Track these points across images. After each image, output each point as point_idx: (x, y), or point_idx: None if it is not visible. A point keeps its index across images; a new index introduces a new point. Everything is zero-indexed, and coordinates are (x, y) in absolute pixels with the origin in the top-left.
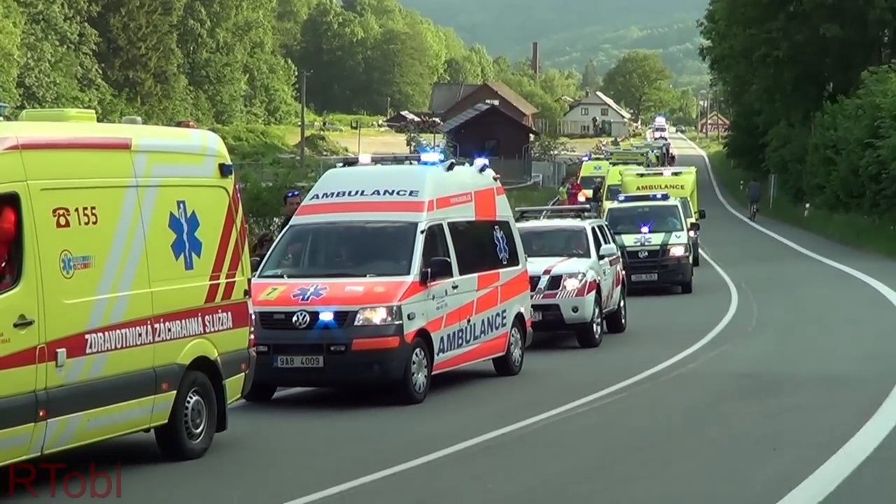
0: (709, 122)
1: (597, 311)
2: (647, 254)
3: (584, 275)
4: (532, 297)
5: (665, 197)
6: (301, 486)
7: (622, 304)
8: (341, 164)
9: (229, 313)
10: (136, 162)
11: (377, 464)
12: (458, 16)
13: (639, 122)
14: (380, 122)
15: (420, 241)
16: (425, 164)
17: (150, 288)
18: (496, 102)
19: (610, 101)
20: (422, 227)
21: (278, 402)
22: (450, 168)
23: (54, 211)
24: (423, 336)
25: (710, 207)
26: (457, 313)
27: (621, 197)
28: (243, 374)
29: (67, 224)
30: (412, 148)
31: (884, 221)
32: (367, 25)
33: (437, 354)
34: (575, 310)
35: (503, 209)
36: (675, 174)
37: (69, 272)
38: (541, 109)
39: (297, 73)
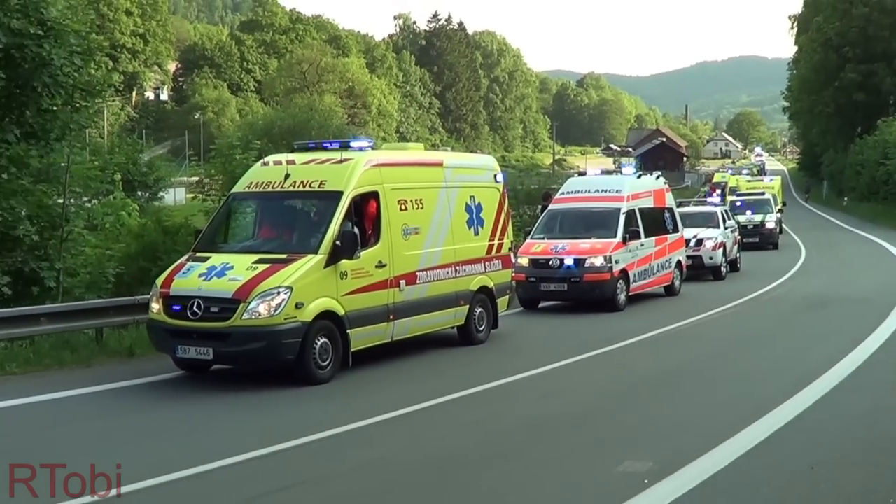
0: (787, 150)
1: (723, 259)
2: (752, 226)
3: (716, 238)
4: (686, 250)
5: (762, 193)
6: (543, 359)
7: (738, 255)
8: (577, 175)
9: (500, 261)
10: (446, 173)
11: (596, 344)
12: (642, 89)
13: (746, 150)
14: (597, 150)
15: (622, 219)
16: (621, 175)
17: (454, 245)
18: (664, 139)
19: (730, 138)
20: (623, 210)
21: (541, 311)
22: (639, 177)
23: (398, 201)
24: (624, 273)
25: (789, 200)
26: (643, 260)
27: (737, 193)
28: (507, 296)
29: (406, 209)
30: (617, 166)
31: (890, 207)
32: (590, 96)
33: (632, 283)
34: (710, 258)
35: (669, 200)
36: (769, 180)
37: (407, 237)
38: (690, 143)
39: (550, 124)
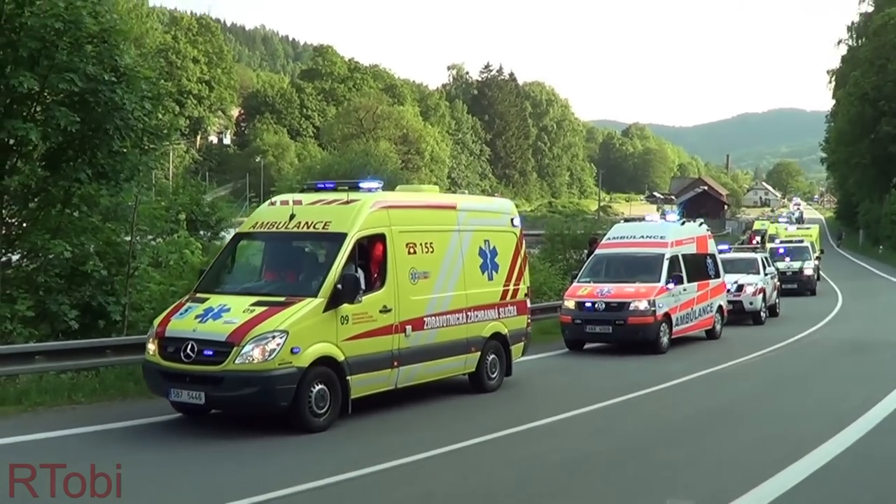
0: (825, 199)
1: (763, 304)
2: (791, 273)
3: (757, 284)
4: (727, 295)
5: (801, 241)
6: (589, 399)
7: (777, 301)
8: (623, 220)
9: (515, 307)
10: (459, 217)
11: (639, 385)
12: (685, 139)
13: (785, 199)
14: (641, 198)
15: (665, 264)
16: (665, 221)
17: (465, 291)
18: (706, 187)
19: (769, 187)
20: (667, 256)
21: (586, 352)
22: (682, 223)
23: (406, 244)
24: (667, 316)
25: (827, 249)
26: (686, 304)
27: (777, 241)
28: (523, 342)
29: (415, 252)
30: (661, 213)
31: None
32: (635, 145)
33: (675, 326)
34: (751, 304)
35: (712, 247)
36: (807, 228)
37: (415, 281)
38: (730, 192)
39: (596, 171)
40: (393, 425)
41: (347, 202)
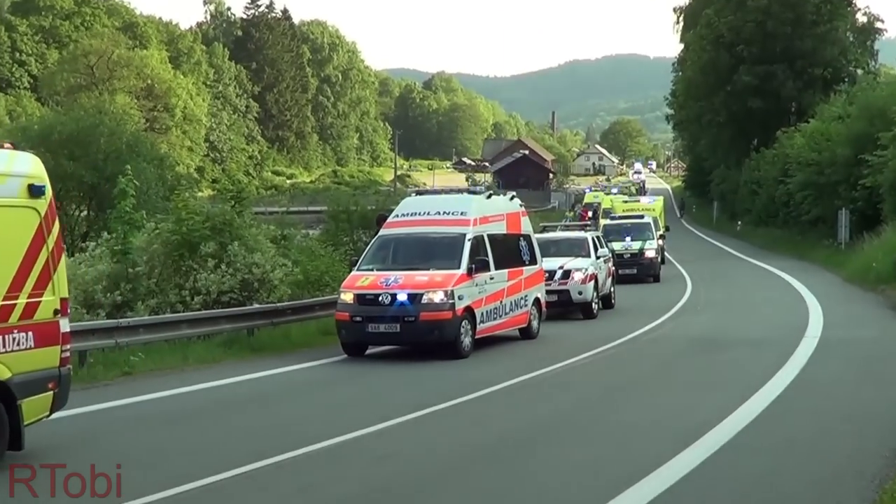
0: (672, 165)
1: (595, 294)
2: (630, 255)
3: (587, 269)
4: (550, 283)
5: (642, 216)
6: (393, 411)
7: (612, 289)
8: (414, 193)
9: (30, 333)
10: None
11: (436, 398)
12: (501, 92)
13: (624, 165)
14: (447, 165)
15: (467, 246)
16: (471, 193)
17: None
18: (527, 152)
19: (604, 151)
20: (469, 236)
21: (370, 357)
22: (489, 197)
23: None
24: (469, 311)
25: (673, 224)
26: (493, 296)
27: (612, 216)
28: (51, 392)
29: None
30: (469, 183)
31: (792, 233)
32: (439, 100)
33: (479, 324)
34: (580, 293)
35: (526, 226)
36: (649, 201)
37: None
38: (557, 157)
39: (391, 132)
40: None
41: None
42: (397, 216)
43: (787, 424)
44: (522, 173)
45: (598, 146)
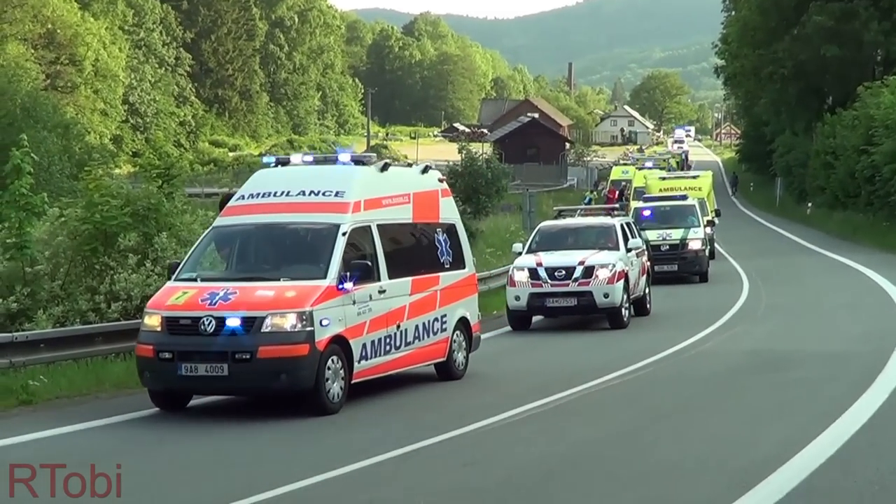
0: (723, 131)
1: (625, 297)
2: (668, 247)
3: (614, 265)
4: (567, 284)
5: (684, 198)
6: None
7: (647, 291)
8: (274, 164)
9: None
10: None
11: (431, 430)
12: (503, 39)
13: (661, 133)
14: (435, 132)
15: (341, 243)
16: (350, 163)
17: None
18: (536, 115)
19: (636, 114)
20: (344, 228)
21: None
22: (384, 168)
23: None
24: (340, 343)
25: (724, 207)
26: (384, 319)
27: (646, 198)
28: None
29: None
30: (463, 155)
31: (877, 218)
32: (424, 49)
33: (358, 362)
34: (606, 296)
35: (448, 211)
36: (694, 177)
37: None
38: (575, 121)
39: (363, 91)
40: None
41: None
42: (242, 198)
43: (874, 462)
44: (531, 143)
45: (627, 107)
